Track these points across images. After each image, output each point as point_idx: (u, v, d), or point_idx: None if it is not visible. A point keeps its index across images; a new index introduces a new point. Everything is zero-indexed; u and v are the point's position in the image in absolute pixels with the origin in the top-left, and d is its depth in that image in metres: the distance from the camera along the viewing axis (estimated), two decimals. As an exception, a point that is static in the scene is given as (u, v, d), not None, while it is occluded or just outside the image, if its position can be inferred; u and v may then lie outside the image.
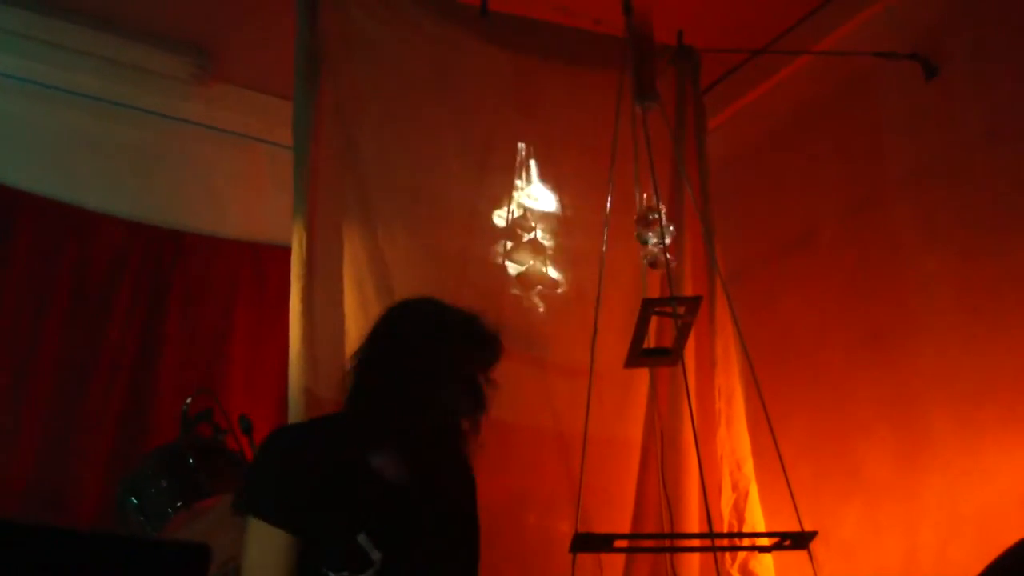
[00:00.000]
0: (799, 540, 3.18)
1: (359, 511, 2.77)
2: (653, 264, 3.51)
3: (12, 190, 4.86)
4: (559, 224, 4.05)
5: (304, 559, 2.73)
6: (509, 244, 3.94)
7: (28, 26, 4.96)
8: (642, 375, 3.87)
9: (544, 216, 4.04)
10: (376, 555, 2.73)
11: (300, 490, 2.74)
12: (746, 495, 3.84)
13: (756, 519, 3.81)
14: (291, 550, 2.72)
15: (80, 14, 5.00)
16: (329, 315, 3.58)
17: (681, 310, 3.34)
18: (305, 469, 2.76)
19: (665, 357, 3.49)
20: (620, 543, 3.14)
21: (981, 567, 2.66)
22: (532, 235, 3.98)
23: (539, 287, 3.96)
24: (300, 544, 2.73)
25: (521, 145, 4.06)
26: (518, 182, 4.02)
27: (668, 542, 3.54)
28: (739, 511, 3.83)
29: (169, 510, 3.79)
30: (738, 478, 3.88)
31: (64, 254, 4.89)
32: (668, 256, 3.45)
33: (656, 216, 3.46)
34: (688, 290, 3.97)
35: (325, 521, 2.73)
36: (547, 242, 4.01)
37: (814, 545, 3.18)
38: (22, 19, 4.93)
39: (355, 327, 3.65)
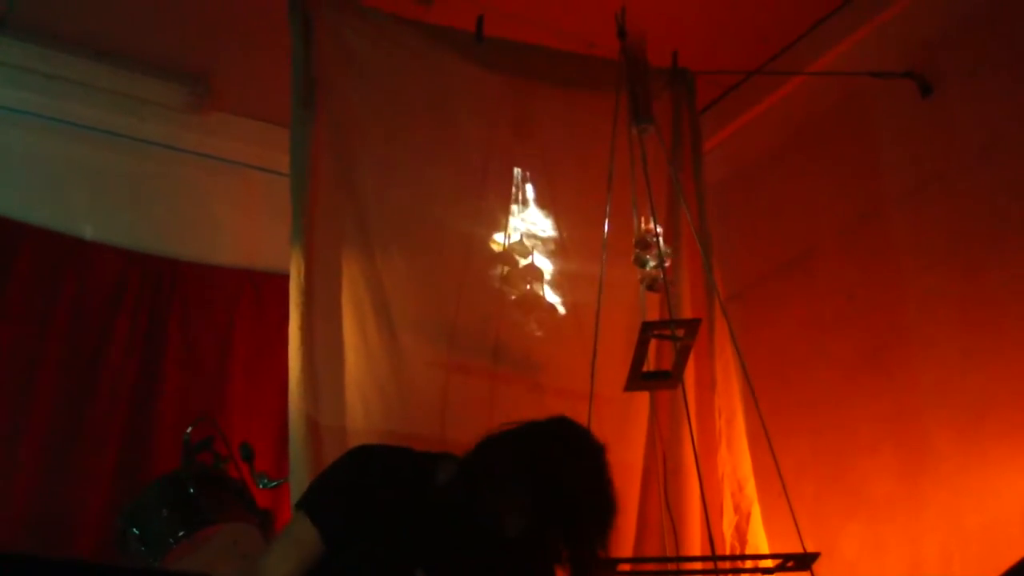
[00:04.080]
0: (802, 561, 3.17)
1: (423, 545, 2.70)
2: (651, 287, 3.51)
3: (10, 221, 4.85)
4: (556, 248, 4.05)
5: None
6: (506, 268, 3.95)
7: (24, 57, 4.96)
8: (642, 398, 3.87)
9: (541, 240, 4.04)
10: None
11: (369, 507, 2.67)
12: (748, 516, 3.84)
13: (759, 540, 3.81)
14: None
15: (76, 45, 5.00)
16: (328, 342, 3.58)
17: (680, 332, 3.35)
18: (382, 488, 2.70)
19: (665, 380, 3.49)
20: (623, 567, 3.13)
21: (986, 584, 2.66)
22: (529, 259, 3.98)
23: (537, 311, 3.95)
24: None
25: (517, 169, 4.07)
26: (515, 206, 4.02)
27: (672, 565, 3.54)
28: (741, 533, 3.83)
29: (170, 540, 3.77)
30: (740, 499, 3.88)
31: (62, 284, 4.88)
32: (666, 278, 3.46)
33: (654, 239, 3.47)
34: (687, 312, 3.97)
35: (387, 547, 2.67)
36: (545, 266, 4.01)
37: (818, 565, 3.17)
38: (18, 51, 4.93)
39: (354, 353, 3.65)
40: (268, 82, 4.69)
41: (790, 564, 3.21)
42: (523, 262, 3.97)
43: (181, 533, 3.78)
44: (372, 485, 2.71)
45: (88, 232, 5.06)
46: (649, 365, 3.50)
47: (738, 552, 3.80)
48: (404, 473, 2.76)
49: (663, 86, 4.35)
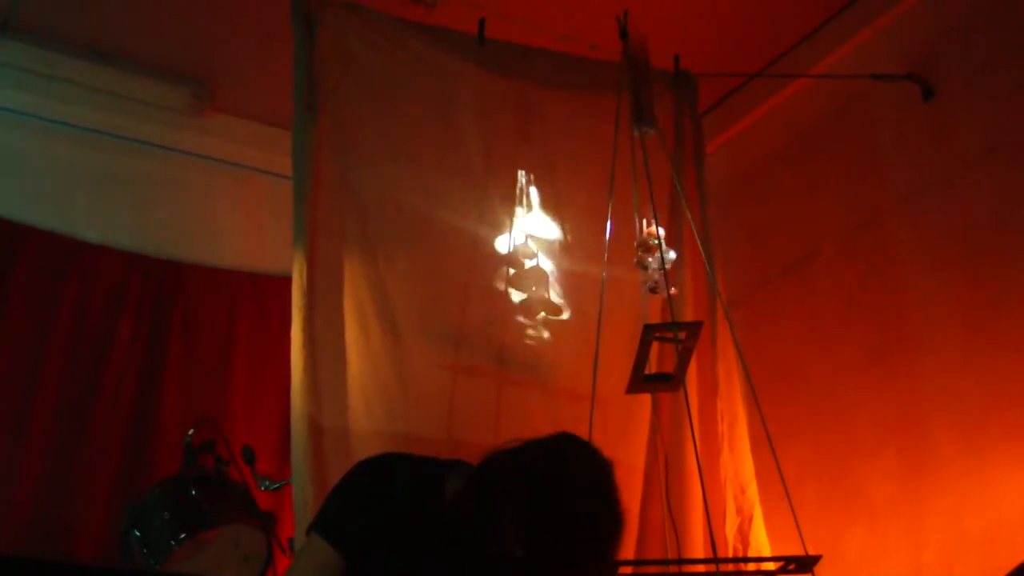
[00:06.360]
0: (804, 564, 3.17)
1: (435, 556, 2.68)
2: (654, 289, 3.51)
3: (12, 223, 4.86)
4: (560, 250, 4.05)
5: None
6: (511, 271, 3.94)
7: (26, 59, 4.96)
8: (644, 400, 3.87)
9: (545, 242, 4.04)
10: None
11: (380, 519, 2.66)
12: (750, 519, 3.84)
13: (761, 543, 3.81)
14: None
15: (78, 47, 5.00)
16: (330, 344, 3.58)
17: (682, 335, 3.35)
18: (391, 499, 2.68)
19: (667, 382, 3.50)
20: (625, 569, 3.12)
21: (988, 588, 2.66)
22: (534, 261, 3.98)
23: (542, 313, 3.95)
24: None
25: (521, 172, 4.07)
26: (519, 208, 4.02)
27: (674, 567, 3.53)
28: (743, 535, 3.83)
29: (172, 542, 3.77)
30: (742, 502, 3.87)
31: (64, 286, 4.88)
32: (668, 281, 3.46)
33: (656, 241, 3.47)
34: (689, 314, 3.97)
35: (395, 560, 2.65)
36: (549, 268, 4.01)
37: (819, 567, 3.17)
38: (20, 53, 4.94)
39: (357, 355, 3.65)
40: (270, 84, 4.68)
41: (792, 567, 3.21)
42: (528, 264, 3.97)
43: (183, 535, 3.79)
44: (381, 497, 2.69)
45: (90, 235, 5.06)
46: (651, 367, 3.50)
47: (740, 554, 3.80)
48: (412, 483, 2.75)
49: (665, 89, 4.35)
